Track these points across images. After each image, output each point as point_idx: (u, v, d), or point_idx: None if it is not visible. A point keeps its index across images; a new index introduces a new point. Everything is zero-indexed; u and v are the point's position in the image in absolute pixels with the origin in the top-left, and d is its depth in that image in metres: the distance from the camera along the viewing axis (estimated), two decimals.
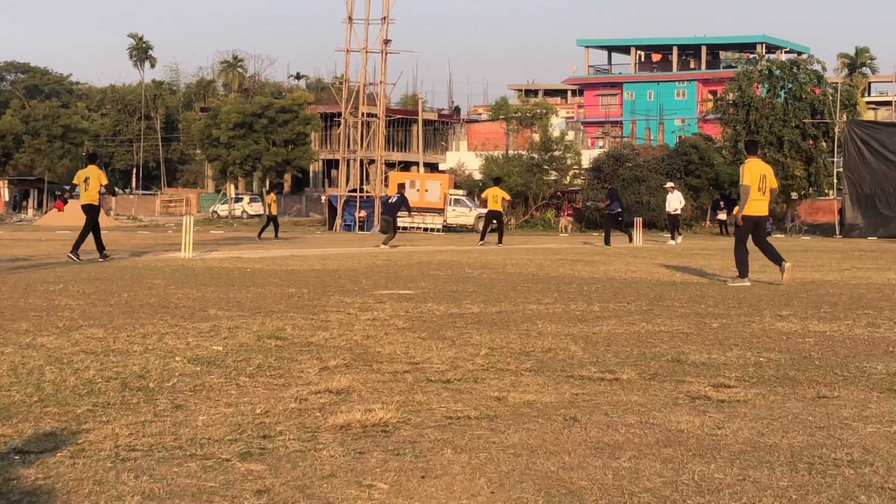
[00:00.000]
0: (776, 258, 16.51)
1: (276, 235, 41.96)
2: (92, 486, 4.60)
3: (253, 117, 70.70)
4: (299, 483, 4.69)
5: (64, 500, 4.41)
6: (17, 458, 5.06)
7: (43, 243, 31.13)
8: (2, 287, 14.26)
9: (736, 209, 16.92)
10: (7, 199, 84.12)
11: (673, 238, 38.60)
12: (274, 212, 43.80)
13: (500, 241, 33.73)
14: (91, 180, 21.81)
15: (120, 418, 5.90)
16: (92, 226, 21.60)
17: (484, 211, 57.73)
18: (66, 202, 21.61)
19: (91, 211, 21.89)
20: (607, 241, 34.67)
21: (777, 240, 45.71)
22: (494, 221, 34.93)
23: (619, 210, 36.38)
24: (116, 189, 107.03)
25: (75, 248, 21.06)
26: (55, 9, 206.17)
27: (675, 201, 39.81)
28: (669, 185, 42.17)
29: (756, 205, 16.58)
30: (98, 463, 4.97)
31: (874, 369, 7.87)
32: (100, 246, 21.57)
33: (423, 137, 79.67)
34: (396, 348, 8.67)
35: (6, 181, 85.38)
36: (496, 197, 34.54)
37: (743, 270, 16.56)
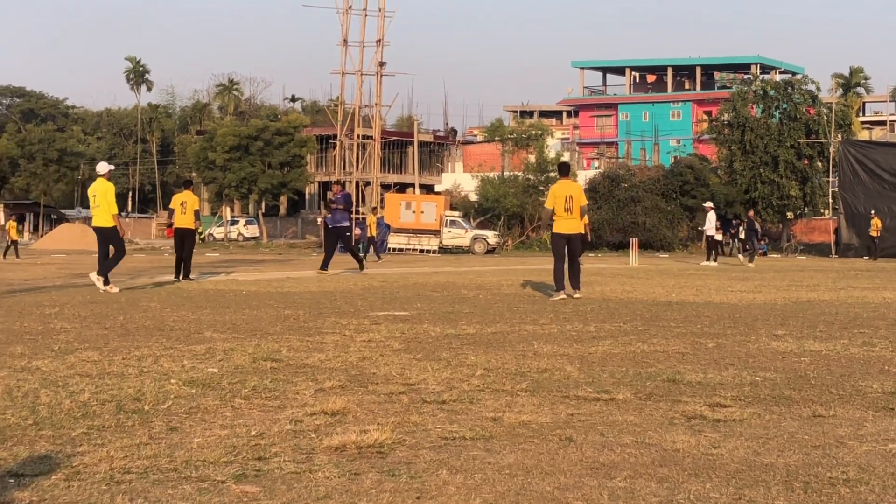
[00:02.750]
0: (576, 282, 17.62)
1: (377, 256, 42.55)
2: None
3: (249, 140, 70.75)
4: None
5: None
6: (11, 480, 5.05)
7: (39, 267, 31.12)
8: None
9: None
10: (2, 222, 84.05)
11: (709, 259, 38.16)
12: (374, 233, 44.18)
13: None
14: (188, 205, 23.15)
15: (115, 441, 5.89)
16: (192, 248, 23.01)
17: (480, 232, 57.96)
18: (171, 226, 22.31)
19: (188, 234, 23.11)
20: (324, 265, 26.07)
21: (773, 259, 45.85)
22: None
23: (346, 224, 26.72)
24: None
25: (187, 272, 22.49)
26: (51, 33, 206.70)
27: (708, 221, 39.51)
28: (708, 204, 41.57)
29: (562, 223, 17.78)
30: (93, 485, 4.96)
31: (870, 388, 7.87)
32: (184, 268, 22.62)
33: (418, 159, 79.77)
34: (392, 369, 8.67)
35: (2, 205, 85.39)
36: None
37: (558, 284, 17.57)
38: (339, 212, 26.00)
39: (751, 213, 43.27)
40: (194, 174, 76.56)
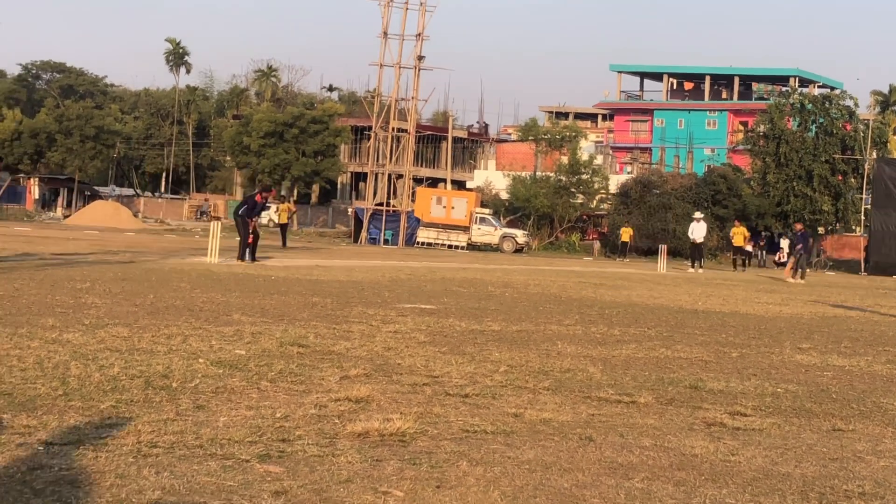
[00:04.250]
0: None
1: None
2: (114, 479, 4.69)
3: (284, 127, 70.91)
4: (316, 486, 4.77)
5: (86, 491, 4.50)
6: (41, 448, 5.16)
7: (71, 242, 31.36)
8: (29, 283, 14.42)
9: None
10: (37, 196, 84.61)
11: (693, 266, 39.03)
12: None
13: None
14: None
15: (143, 415, 6.00)
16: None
17: (509, 231, 57.99)
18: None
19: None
20: (244, 255, 23.89)
21: None
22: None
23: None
24: (145, 192, 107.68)
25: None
26: (92, 10, 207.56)
27: (700, 231, 39.91)
28: (697, 214, 42.07)
29: None
30: (120, 457, 5.06)
31: (891, 405, 7.90)
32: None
33: (451, 155, 79.78)
34: (417, 361, 8.75)
35: (37, 179, 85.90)
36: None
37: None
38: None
39: (797, 225, 42.79)
40: (228, 158, 76.75)
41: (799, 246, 36.60)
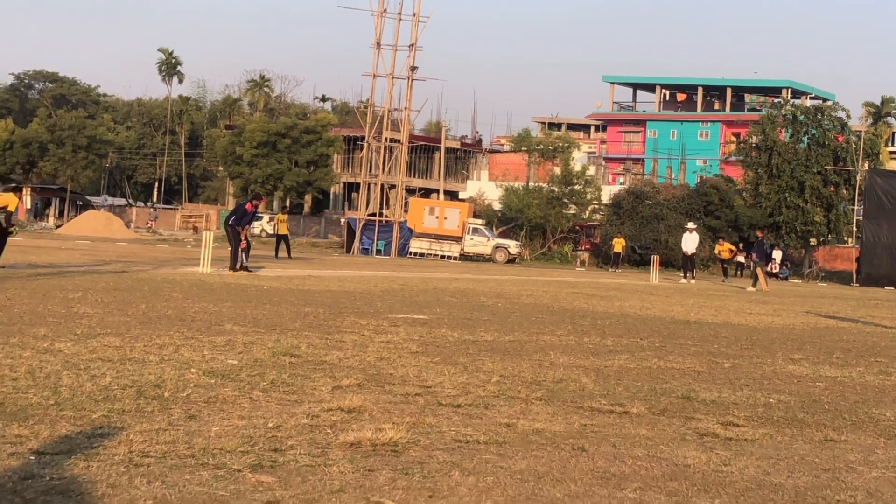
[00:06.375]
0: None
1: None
2: (105, 488, 4.68)
3: (277, 137, 71.00)
4: (308, 496, 4.76)
5: (77, 500, 4.49)
6: (32, 458, 5.15)
7: (63, 252, 31.33)
8: (21, 293, 14.40)
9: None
10: (29, 206, 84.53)
11: (685, 277, 39.33)
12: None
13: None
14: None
15: (134, 425, 5.98)
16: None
17: (502, 241, 58.05)
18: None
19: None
20: (236, 265, 23.69)
21: (794, 285, 45.78)
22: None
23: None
24: (137, 202, 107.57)
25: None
26: (85, 20, 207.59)
27: (692, 242, 40.08)
28: (690, 225, 42.32)
29: None
30: (112, 467, 5.05)
31: (883, 416, 7.91)
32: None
33: (444, 165, 79.86)
34: (409, 371, 8.75)
35: (29, 188, 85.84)
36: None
37: None
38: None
39: (758, 232, 42.86)
40: (221, 168, 76.67)
41: (754, 255, 36.73)
